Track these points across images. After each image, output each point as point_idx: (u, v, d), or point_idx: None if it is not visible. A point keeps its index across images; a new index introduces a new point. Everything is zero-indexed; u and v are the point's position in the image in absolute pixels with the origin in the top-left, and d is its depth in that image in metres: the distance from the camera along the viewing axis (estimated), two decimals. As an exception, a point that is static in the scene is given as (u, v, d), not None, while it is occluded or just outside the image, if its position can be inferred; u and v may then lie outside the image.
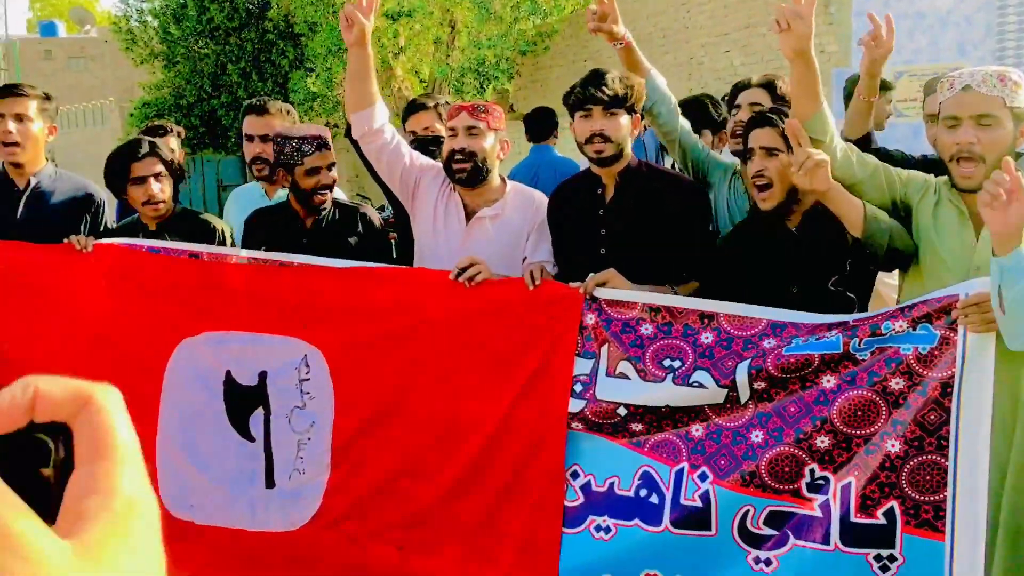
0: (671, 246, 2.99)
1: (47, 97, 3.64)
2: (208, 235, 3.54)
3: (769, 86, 3.40)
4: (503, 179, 3.32)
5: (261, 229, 3.51)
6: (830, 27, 12.92)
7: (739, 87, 3.52)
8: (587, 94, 2.99)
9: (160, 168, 3.45)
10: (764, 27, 14.02)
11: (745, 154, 2.91)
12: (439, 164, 3.36)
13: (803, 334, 2.58)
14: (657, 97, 3.23)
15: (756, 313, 2.67)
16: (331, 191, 3.44)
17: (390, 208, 3.62)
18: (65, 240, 3.30)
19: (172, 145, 3.66)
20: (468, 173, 3.11)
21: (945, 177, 2.72)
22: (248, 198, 4.03)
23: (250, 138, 3.91)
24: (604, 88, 2.97)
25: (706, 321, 2.71)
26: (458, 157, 3.11)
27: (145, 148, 3.46)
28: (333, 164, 3.44)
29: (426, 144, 3.71)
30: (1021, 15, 11.57)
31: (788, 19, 2.56)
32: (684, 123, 3.30)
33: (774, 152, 2.80)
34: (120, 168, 3.45)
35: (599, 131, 2.98)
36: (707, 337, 2.69)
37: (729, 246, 3.05)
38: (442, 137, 3.76)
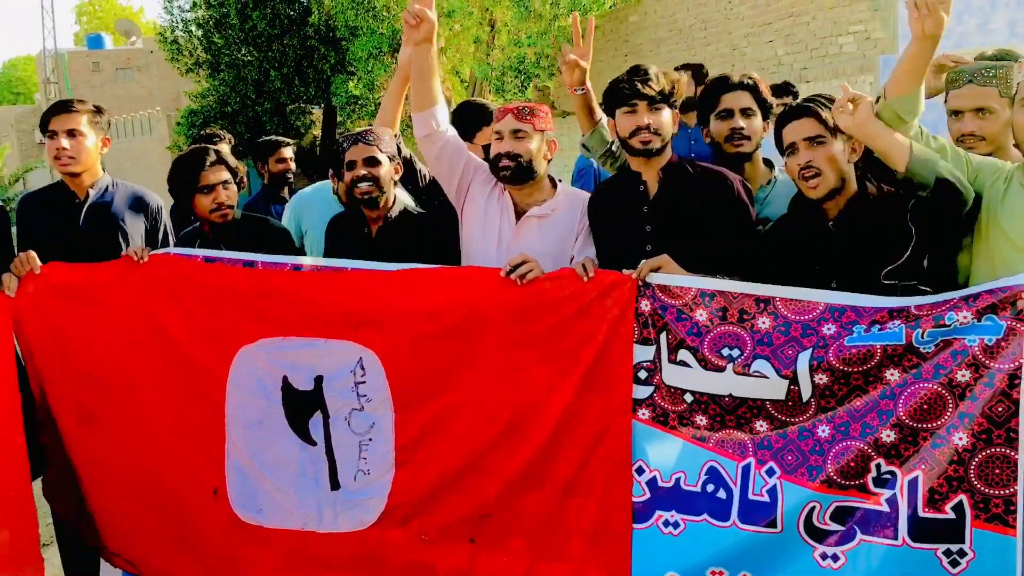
0: (716, 240, 2.97)
1: (98, 110, 3.74)
2: (277, 236, 3.61)
3: (752, 88, 3.39)
4: (553, 180, 3.34)
5: (336, 234, 3.58)
6: (876, 13, 12.70)
7: (720, 87, 3.44)
8: (633, 89, 2.99)
9: (227, 176, 3.52)
10: (807, 16, 13.83)
11: (784, 151, 2.88)
12: (487, 164, 3.38)
13: (864, 320, 2.55)
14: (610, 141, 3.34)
15: (813, 297, 2.64)
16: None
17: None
18: (123, 253, 3.36)
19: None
20: (512, 172, 3.13)
21: (1020, 163, 2.69)
22: (323, 203, 4.04)
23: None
24: (650, 84, 2.99)
25: (762, 305, 2.67)
26: (504, 161, 3.13)
27: (213, 157, 3.53)
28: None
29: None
30: (1074, -7, 11.27)
31: (929, 5, 2.57)
32: None
33: (819, 140, 2.78)
34: (189, 177, 3.50)
35: (646, 125, 2.99)
36: (764, 322, 2.66)
37: (767, 243, 3.02)
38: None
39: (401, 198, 3.56)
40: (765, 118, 3.40)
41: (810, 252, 2.85)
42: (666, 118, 3.02)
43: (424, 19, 3.11)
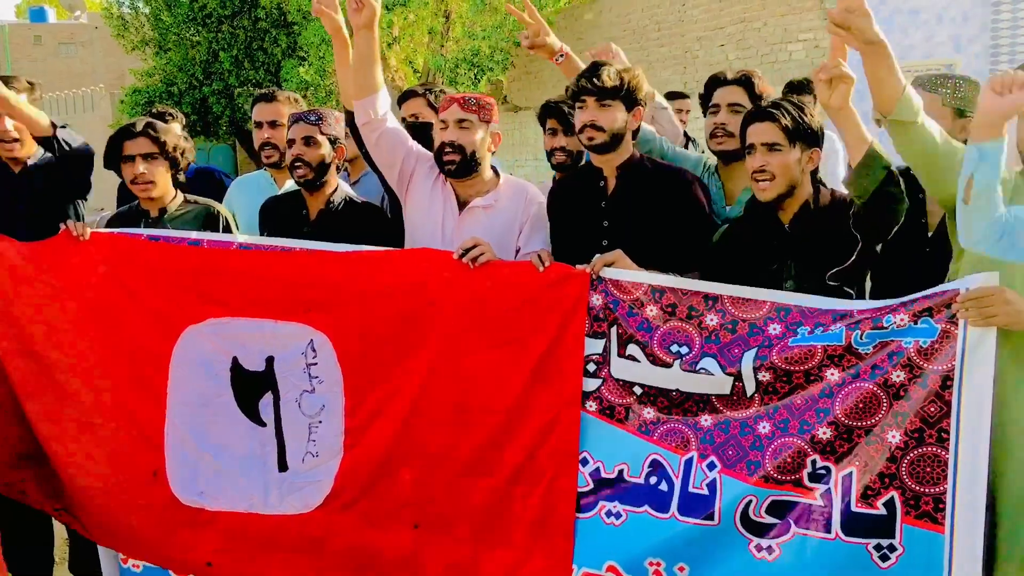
0: (673, 238, 3.01)
1: (31, 85, 3.73)
2: (211, 220, 3.53)
3: (746, 83, 3.37)
4: (496, 171, 3.33)
5: (272, 218, 3.53)
6: (825, 22, 12.90)
7: (714, 82, 3.47)
8: (580, 85, 3.03)
9: (152, 149, 3.42)
10: (759, 22, 14.02)
11: (744, 149, 2.90)
12: (431, 154, 3.36)
13: (808, 322, 2.61)
14: None
15: (760, 295, 2.69)
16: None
17: (387, 198, 3.62)
18: (61, 226, 3.27)
19: (176, 132, 3.68)
20: (457, 165, 3.12)
21: (1021, 169, 2.72)
22: (255, 187, 4.01)
23: (259, 124, 3.94)
24: (596, 80, 3.00)
25: (710, 303, 2.72)
26: (447, 150, 3.12)
27: (139, 127, 3.45)
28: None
29: (414, 130, 3.71)
30: (1015, 12, 11.60)
31: (841, 21, 2.44)
32: (645, 128, 3.35)
33: (776, 148, 2.82)
34: (114, 145, 3.46)
35: (591, 121, 3.02)
36: (712, 319, 2.71)
37: (723, 242, 3.05)
38: (429, 123, 3.76)
39: (343, 187, 3.54)
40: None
41: (766, 253, 2.89)
42: (616, 115, 3.02)
43: (366, 4, 3.11)
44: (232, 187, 4.24)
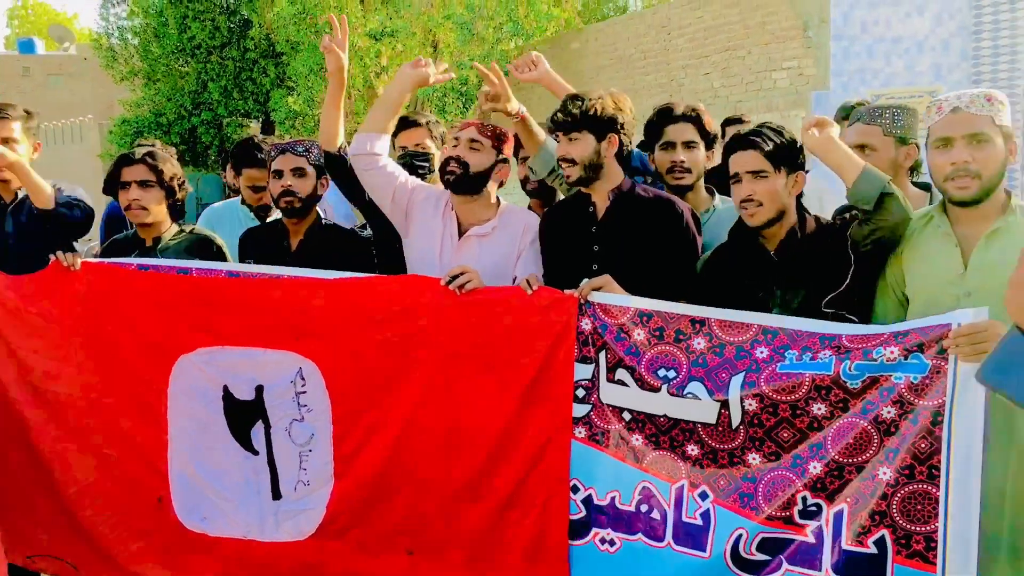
0: (662, 266, 3.01)
1: (28, 114, 3.69)
2: (204, 248, 3.54)
3: (696, 120, 3.46)
4: (499, 200, 3.34)
5: (252, 248, 3.54)
6: (808, 50, 13.07)
7: (665, 116, 3.51)
8: (552, 121, 3.08)
9: (148, 176, 3.45)
10: (743, 51, 14.17)
11: (729, 179, 2.93)
12: (431, 185, 3.40)
13: (796, 346, 2.59)
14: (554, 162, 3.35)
15: (747, 318, 2.68)
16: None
17: (369, 229, 3.63)
18: (52, 257, 3.26)
19: (175, 162, 3.67)
20: (457, 178, 3.14)
21: (936, 205, 2.76)
22: (232, 218, 4.00)
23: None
24: (558, 113, 3.03)
25: (697, 326, 2.71)
26: (451, 165, 3.15)
27: (139, 154, 3.49)
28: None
29: (415, 159, 3.75)
30: (995, 40, 11.77)
31: (811, 142, 2.74)
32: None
33: (762, 175, 2.83)
34: (114, 171, 3.50)
35: (563, 155, 3.06)
36: (699, 343, 2.70)
37: (707, 269, 3.07)
38: (431, 154, 3.81)
39: (321, 215, 3.58)
40: (709, 148, 3.46)
41: (753, 280, 2.89)
42: (586, 145, 3.01)
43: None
44: (205, 218, 4.24)
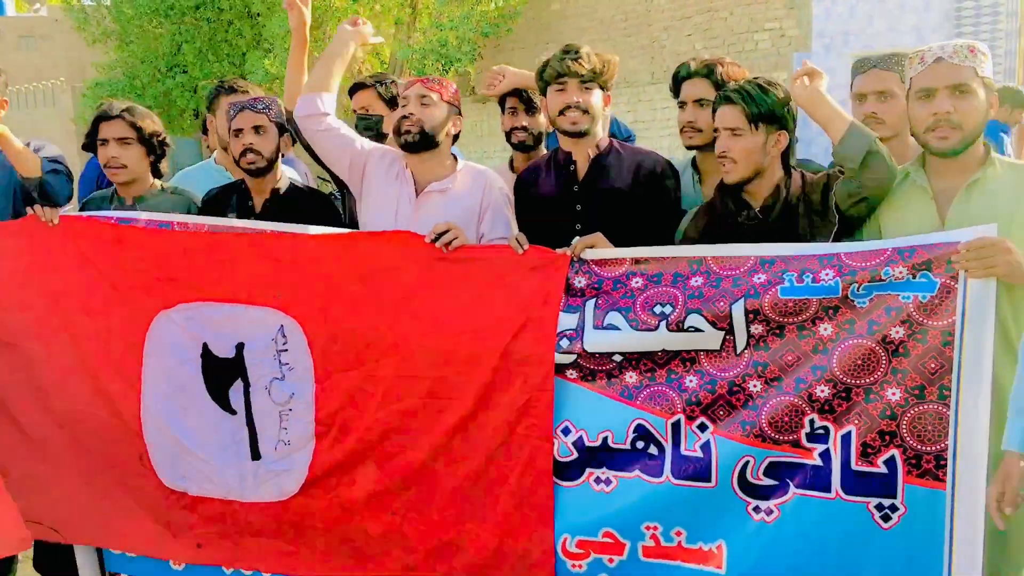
0: (646, 221, 3.00)
1: None
2: (187, 211, 3.44)
3: (709, 73, 3.26)
4: (455, 156, 3.30)
5: (216, 210, 3.44)
6: (790, 11, 13.00)
7: (680, 76, 3.38)
8: (563, 67, 3.00)
9: (127, 133, 3.37)
10: (725, 12, 14.08)
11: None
12: (385, 146, 3.34)
13: (793, 267, 2.57)
14: None
15: (744, 252, 2.66)
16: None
17: (337, 193, 3.58)
18: (29, 210, 3.20)
19: (155, 119, 3.56)
20: (413, 136, 3.08)
21: (917, 157, 2.75)
22: (209, 179, 3.92)
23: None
24: (580, 62, 2.99)
25: (695, 266, 2.71)
26: (406, 124, 3.09)
27: (116, 110, 3.40)
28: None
29: (364, 122, 3.69)
30: (978, 1, 11.74)
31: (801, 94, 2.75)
32: None
33: (737, 132, 2.81)
34: (92, 128, 3.42)
35: (575, 103, 3.00)
36: (697, 280, 2.69)
37: (693, 226, 3.04)
38: (380, 116, 3.74)
39: (287, 173, 3.50)
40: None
41: (737, 238, 2.88)
42: (595, 98, 3.02)
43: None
44: (176, 181, 4.16)
